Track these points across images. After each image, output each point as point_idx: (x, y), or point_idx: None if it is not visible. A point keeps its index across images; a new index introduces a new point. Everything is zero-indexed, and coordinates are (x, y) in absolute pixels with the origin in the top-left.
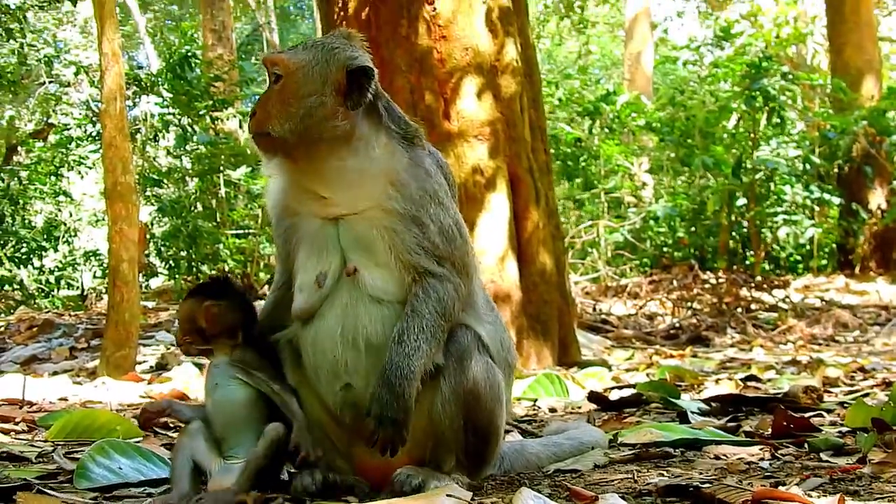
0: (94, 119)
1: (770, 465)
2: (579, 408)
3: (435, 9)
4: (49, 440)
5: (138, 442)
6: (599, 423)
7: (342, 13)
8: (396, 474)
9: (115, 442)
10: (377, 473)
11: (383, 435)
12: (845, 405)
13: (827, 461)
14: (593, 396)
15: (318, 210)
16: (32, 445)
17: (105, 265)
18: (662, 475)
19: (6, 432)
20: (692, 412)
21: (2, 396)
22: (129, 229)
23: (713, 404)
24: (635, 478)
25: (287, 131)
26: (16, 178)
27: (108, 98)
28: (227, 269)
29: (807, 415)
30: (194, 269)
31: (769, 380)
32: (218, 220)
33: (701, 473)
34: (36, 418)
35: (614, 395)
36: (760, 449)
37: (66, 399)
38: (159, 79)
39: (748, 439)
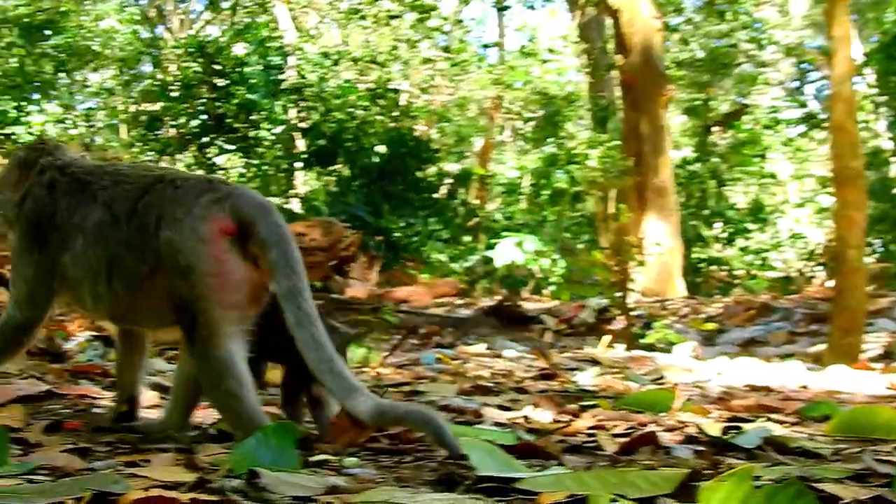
0: (798, 100)
1: None
2: None
3: None
4: (828, 434)
5: None
6: None
7: None
8: None
9: None
10: None
11: None
12: None
13: None
14: None
15: None
16: (812, 439)
17: (810, 248)
18: None
19: (779, 422)
20: None
21: (738, 381)
22: (857, 214)
23: None
24: None
25: None
26: (717, 158)
27: (837, 81)
28: None
29: None
30: None
31: None
32: None
33: None
34: (795, 408)
35: None
36: None
37: (805, 387)
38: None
39: None
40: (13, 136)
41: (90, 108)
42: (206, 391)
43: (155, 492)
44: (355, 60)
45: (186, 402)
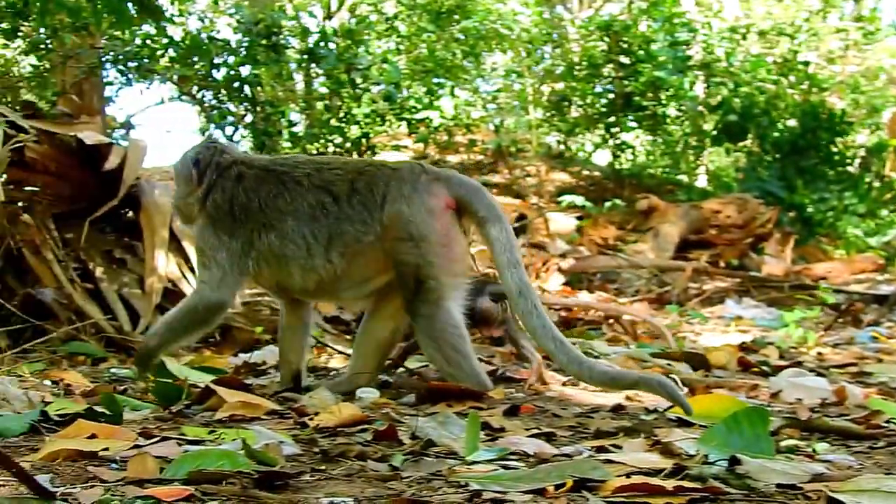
0: None
1: None
2: None
3: None
4: None
5: None
6: None
7: None
8: None
9: None
10: None
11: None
12: None
13: None
14: None
15: None
16: None
17: None
18: None
19: None
20: None
21: None
22: None
23: None
24: None
25: None
26: None
27: None
28: None
29: None
30: None
31: None
32: None
33: None
34: None
35: None
36: None
37: None
38: None
39: None
40: (426, 120)
41: (496, 91)
42: (429, 349)
43: (636, 479)
44: (762, 33)
45: (377, 362)
